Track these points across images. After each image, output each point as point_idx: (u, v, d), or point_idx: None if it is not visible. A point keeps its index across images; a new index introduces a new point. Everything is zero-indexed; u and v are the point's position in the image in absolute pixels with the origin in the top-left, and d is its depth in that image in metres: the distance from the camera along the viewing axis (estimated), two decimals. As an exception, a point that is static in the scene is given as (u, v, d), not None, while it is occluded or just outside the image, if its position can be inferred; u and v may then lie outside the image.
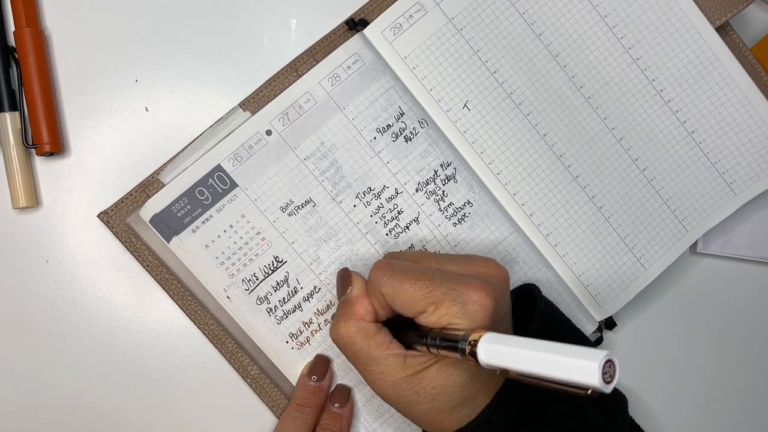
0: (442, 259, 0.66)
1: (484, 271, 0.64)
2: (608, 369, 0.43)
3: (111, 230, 0.72)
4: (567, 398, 0.64)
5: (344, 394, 0.74)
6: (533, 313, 0.68)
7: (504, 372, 0.50)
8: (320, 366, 0.73)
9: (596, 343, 0.78)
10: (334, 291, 0.73)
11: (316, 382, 0.72)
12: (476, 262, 0.65)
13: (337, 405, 0.73)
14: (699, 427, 0.83)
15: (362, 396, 0.75)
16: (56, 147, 0.73)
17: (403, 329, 0.63)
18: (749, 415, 0.84)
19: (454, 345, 0.55)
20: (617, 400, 0.74)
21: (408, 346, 0.62)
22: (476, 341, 0.52)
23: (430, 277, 0.61)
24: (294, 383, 0.74)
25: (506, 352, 0.49)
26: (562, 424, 0.64)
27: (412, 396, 0.61)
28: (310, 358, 0.74)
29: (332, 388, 0.75)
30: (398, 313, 0.63)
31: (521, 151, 0.74)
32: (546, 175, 0.74)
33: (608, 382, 0.43)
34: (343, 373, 0.75)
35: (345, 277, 0.68)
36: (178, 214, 0.70)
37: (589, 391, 0.44)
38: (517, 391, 0.62)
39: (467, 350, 0.53)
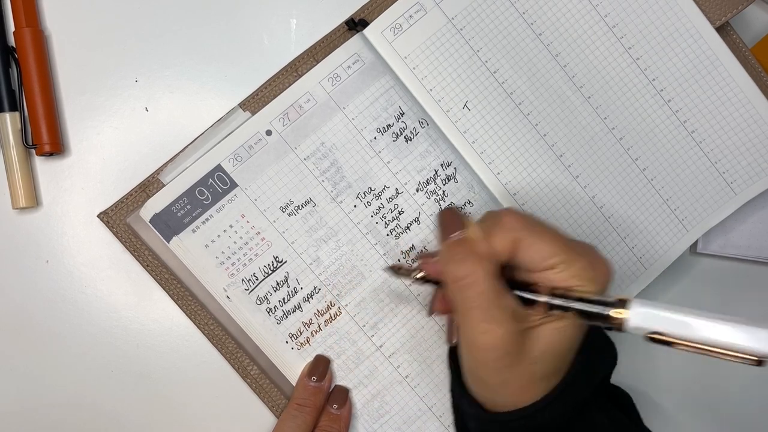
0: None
1: (593, 247, 0.62)
2: None
3: (111, 230, 0.72)
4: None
5: (343, 395, 0.74)
6: None
7: (653, 335, 0.50)
8: (320, 366, 0.73)
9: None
10: (334, 291, 0.73)
11: (316, 382, 0.72)
12: (581, 242, 0.63)
13: (335, 406, 0.73)
14: (699, 426, 0.83)
15: (362, 397, 0.75)
16: (56, 147, 0.73)
17: (509, 283, 0.60)
18: (749, 415, 0.84)
19: (587, 307, 0.55)
20: (627, 398, 0.74)
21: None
22: (623, 303, 0.52)
23: (565, 235, 0.60)
24: (293, 383, 0.74)
25: (664, 316, 0.50)
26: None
27: (516, 355, 0.57)
28: (309, 359, 0.74)
29: (331, 389, 0.75)
30: (518, 263, 0.60)
31: (521, 151, 0.74)
32: (546, 175, 0.74)
33: None
34: (343, 374, 0.75)
35: (453, 217, 0.65)
36: (178, 214, 0.70)
37: (757, 361, 0.45)
38: (585, 375, 0.62)
39: (607, 313, 0.53)
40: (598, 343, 0.66)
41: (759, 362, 0.45)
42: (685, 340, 0.48)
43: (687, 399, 0.83)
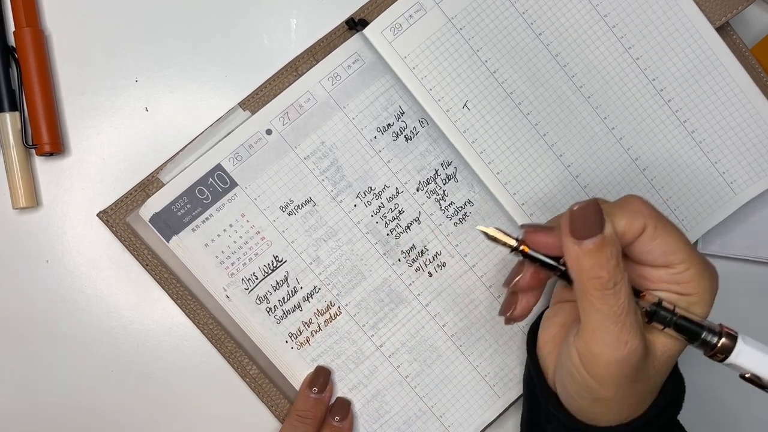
0: None
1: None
2: None
3: (111, 230, 0.72)
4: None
5: (344, 407, 0.74)
6: None
7: (751, 376, 0.50)
8: (321, 378, 0.73)
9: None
10: (334, 291, 0.73)
11: (317, 393, 0.72)
12: None
13: (337, 418, 0.73)
14: (699, 426, 0.83)
15: (362, 397, 0.75)
16: (56, 147, 0.73)
17: None
18: (749, 415, 0.83)
19: (694, 330, 0.54)
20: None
21: None
22: (732, 336, 0.52)
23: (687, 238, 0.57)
24: (293, 383, 0.74)
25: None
26: None
27: (642, 368, 0.55)
28: (309, 359, 0.74)
29: (332, 401, 0.75)
30: (636, 252, 0.57)
31: (521, 151, 0.74)
32: (546, 175, 0.74)
33: None
34: (343, 374, 0.74)
35: (598, 215, 0.54)
36: (178, 213, 0.70)
37: None
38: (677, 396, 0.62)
39: (714, 342, 0.53)
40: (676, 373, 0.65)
41: None
42: None
43: (685, 400, 0.83)
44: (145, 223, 0.71)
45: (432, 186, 0.74)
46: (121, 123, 0.75)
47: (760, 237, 0.80)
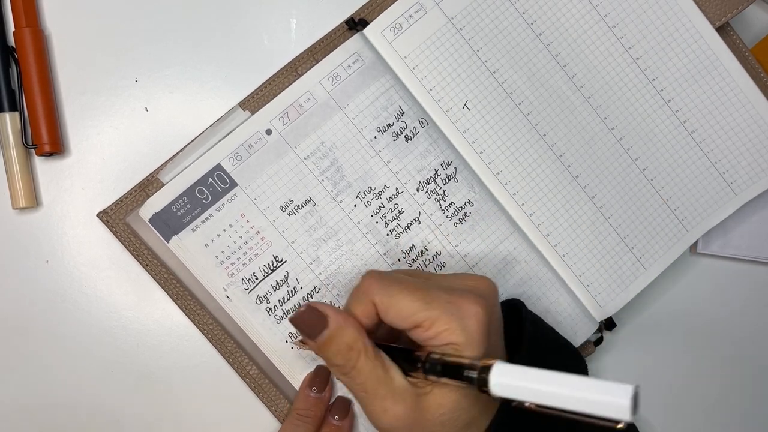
0: (431, 274, 0.65)
1: (474, 284, 0.62)
2: (636, 400, 0.44)
3: (110, 230, 0.72)
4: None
5: (344, 406, 0.74)
6: (519, 328, 0.68)
7: (518, 403, 0.49)
8: (321, 377, 0.73)
9: (596, 343, 0.78)
10: (334, 291, 0.73)
11: (317, 393, 0.72)
12: (467, 277, 0.64)
13: (336, 417, 0.73)
14: (699, 426, 0.83)
15: (362, 396, 0.75)
16: (56, 147, 0.73)
17: (393, 353, 0.61)
18: (749, 415, 0.83)
19: (457, 371, 0.54)
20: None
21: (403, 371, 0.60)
22: (487, 369, 0.51)
23: (426, 288, 0.59)
24: (293, 383, 0.73)
25: (523, 387, 0.49)
26: None
27: (421, 423, 0.58)
28: (309, 359, 0.74)
29: (332, 400, 0.75)
30: (388, 324, 0.61)
31: (521, 151, 0.74)
32: (546, 175, 0.74)
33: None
34: (342, 384, 0.74)
35: (312, 315, 0.61)
36: (178, 213, 0.70)
37: (620, 425, 0.45)
38: (517, 413, 0.61)
39: (475, 378, 0.52)
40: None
41: (619, 428, 0.45)
42: (549, 408, 0.48)
43: (685, 400, 0.83)
44: (144, 223, 0.71)
45: (432, 186, 0.74)
46: (121, 123, 0.75)
47: (760, 237, 0.81)
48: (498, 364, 0.51)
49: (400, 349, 0.61)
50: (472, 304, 0.58)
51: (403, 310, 0.58)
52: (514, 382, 0.49)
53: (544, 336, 0.71)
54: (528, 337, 0.66)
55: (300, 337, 0.64)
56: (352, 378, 0.59)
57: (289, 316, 0.68)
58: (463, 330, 0.57)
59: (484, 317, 0.58)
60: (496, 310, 0.62)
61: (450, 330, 0.57)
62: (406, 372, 0.60)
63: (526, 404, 0.49)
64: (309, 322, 0.61)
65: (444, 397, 0.58)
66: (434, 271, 0.75)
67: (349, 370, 0.59)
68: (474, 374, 0.52)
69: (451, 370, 0.55)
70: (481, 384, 0.51)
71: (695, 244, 0.80)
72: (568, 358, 0.72)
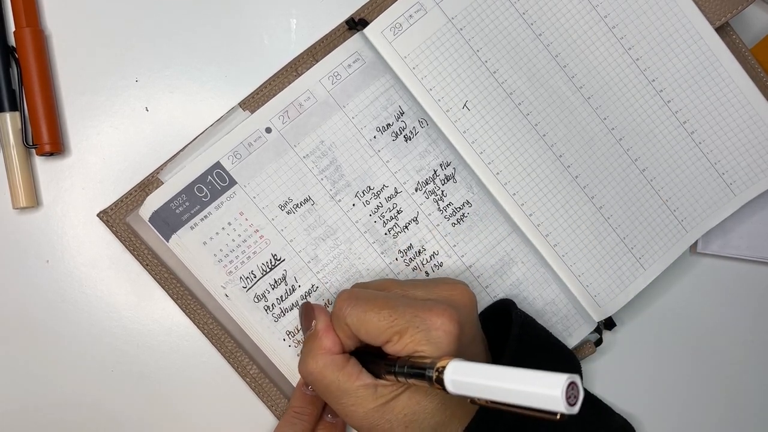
0: (407, 285, 0.66)
1: (449, 294, 0.64)
2: (572, 391, 0.44)
3: (111, 230, 0.72)
4: (547, 423, 0.65)
5: None
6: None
7: (474, 400, 0.50)
8: None
9: (596, 343, 0.78)
10: (332, 290, 0.73)
11: (312, 391, 0.72)
12: (442, 286, 0.65)
13: (330, 416, 0.73)
14: (699, 426, 0.83)
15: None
16: (56, 147, 0.73)
17: (372, 359, 0.63)
18: (749, 415, 0.83)
19: (421, 373, 0.55)
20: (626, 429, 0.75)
21: (377, 375, 0.62)
22: (442, 369, 0.52)
23: (393, 305, 0.61)
24: (292, 382, 0.73)
25: (472, 382, 0.49)
26: None
27: (385, 425, 0.61)
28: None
29: None
30: (365, 342, 0.63)
31: (521, 151, 0.74)
32: (545, 175, 0.74)
33: (573, 404, 0.44)
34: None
35: (308, 311, 0.68)
36: (177, 211, 0.70)
37: (558, 416, 0.45)
38: (493, 417, 0.62)
39: (434, 378, 0.52)
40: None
41: (557, 420, 0.46)
42: (498, 404, 0.48)
43: (685, 400, 0.83)
44: (145, 223, 0.71)
45: (431, 186, 0.74)
46: (121, 123, 0.75)
47: (759, 237, 0.80)
48: (453, 362, 0.51)
49: (377, 354, 0.63)
50: (439, 316, 0.59)
51: (371, 330, 0.61)
52: (466, 378, 0.50)
53: (535, 337, 0.71)
54: (515, 338, 0.67)
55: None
56: (316, 383, 0.64)
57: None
58: (429, 341, 0.58)
59: (451, 328, 0.59)
60: (470, 319, 0.64)
61: (415, 342, 0.59)
62: (379, 376, 0.62)
63: (480, 400, 0.49)
64: (306, 313, 0.68)
65: (411, 399, 0.61)
66: (431, 271, 0.75)
67: (312, 376, 0.64)
68: (433, 373, 0.53)
69: (416, 371, 0.56)
70: (440, 382, 0.52)
71: (695, 244, 0.80)
72: (560, 360, 0.73)
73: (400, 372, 0.58)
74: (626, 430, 0.75)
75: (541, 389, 0.44)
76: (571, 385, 0.44)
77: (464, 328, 0.60)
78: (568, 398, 0.43)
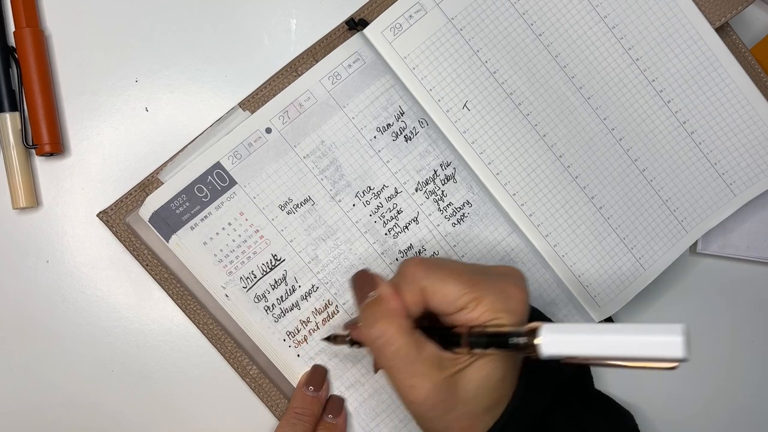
0: (467, 263, 0.65)
1: (509, 272, 0.63)
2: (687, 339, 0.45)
3: (111, 230, 0.72)
4: (571, 401, 0.66)
5: (338, 405, 0.75)
6: None
7: (569, 359, 0.50)
8: (317, 376, 0.74)
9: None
10: (332, 290, 0.73)
11: (313, 392, 0.72)
12: (500, 267, 0.64)
13: (330, 416, 0.74)
14: (699, 426, 0.83)
15: (359, 396, 0.75)
16: (56, 147, 0.73)
17: (433, 331, 0.61)
18: (749, 415, 0.83)
19: (503, 341, 0.55)
20: (626, 418, 0.75)
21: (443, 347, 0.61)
22: (534, 332, 0.52)
23: (471, 272, 0.60)
24: (292, 382, 0.74)
25: (573, 339, 0.50)
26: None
27: (449, 401, 0.58)
28: (306, 357, 0.74)
29: (327, 398, 0.75)
30: (432, 309, 0.61)
31: (521, 152, 0.74)
32: (545, 176, 0.74)
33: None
34: (340, 372, 0.74)
35: (365, 278, 0.64)
36: (177, 211, 0.70)
37: (674, 364, 0.45)
38: (533, 399, 0.62)
39: (522, 344, 0.53)
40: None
41: (673, 367, 0.46)
42: (600, 359, 0.49)
43: (685, 400, 0.83)
44: (145, 223, 0.71)
45: (431, 186, 0.74)
46: (121, 123, 0.75)
47: (760, 237, 0.80)
48: (545, 324, 0.52)
49: (440, 328, 0.61)
50: (514, 287, 0.59)
51: (449, 295, 0.59)
52: (564, 337, 0.50)
53: None
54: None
55: (329, 335, 0.71)
56: (383, 348, 0.59)
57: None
58: (508, 310, 0.58)
59: (525, 297, 0.59)
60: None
61: (493, 309, 0.58)
62: (445, 349, 0.60)
63: (577, 359, 0.50)
64: (361, 281, 0.64)
65: (478, 372, 0.58)
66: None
67: (381, 341, 0.59)
68: (522, 340, 0.53)
69: (497, 339, 0.56)
70: (529, 348, 0.52)
71: (695, 244, 0.80)
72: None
73: (477, 342, 0.57)
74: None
75: (661, 336, 0.45)
76: (687, 332, 0.45)
77: (528, 302, 0.60)
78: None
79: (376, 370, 0.73)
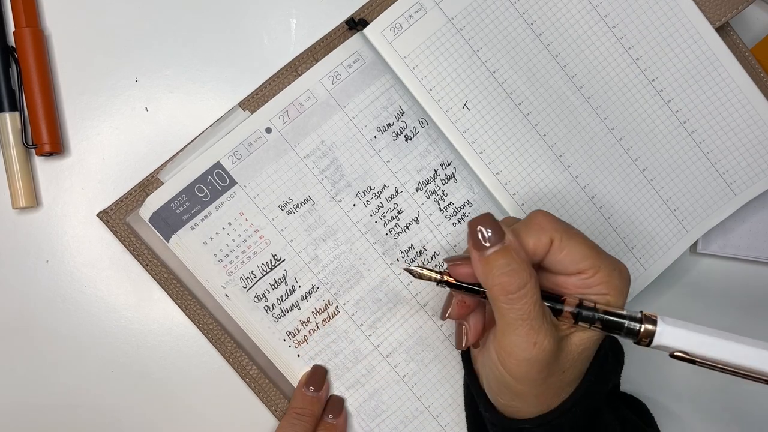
0: None
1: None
2: None
3: (111, 230, 0.72)
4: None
5: (338, 405, 0.75)
6: None
7: (676, 353, 0.51)
8: (317, 377, 0.74)
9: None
10: (332, 290, 0.73)
11: (314, 392, 0.72)
12: None
13: (330, 416, 0.73)
14: (699, 426, 0.83)
15: (359, 396, 0.75)
16: (56, 147, 0.73)
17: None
18: (749, 414, 0.83)
19: (617, 323, 0.57)
20: (646, 412, 0.77)
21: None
22: (653, 321, 0.54)
23: (593, 242, 0.60)
24: (292, 382, 0.74)
25: (695, 339, 0.51)
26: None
27: (554, 365, 0.58)
28: (307, 357, 0.74)
29: (327, 399, 0.75)
30: (548, 265, 0.60)
31: (521, 151, 0.74)
32: (546, 175, 0.74)
33: None
34: (340, 372, 0.74)
35: (494, 224, 0.58)
36: (177, 211, 0.70)
37: None
38: (602, 378, 0.64)
39: (636, 328, 0.55)
40: (611, 348, 0.68)
41: None
42: (710, 361, 0.49)
43: (702, 407, 0.83)
44: (145, 223, 0.71)
45: (431, 186, 0.74)
46: (121, 123, 0.75)
47: (760, 237, 0.80)
48: (663, 317, 0.54)
49: (548, 292, 0.61)
50: (625, 269, 0.60)
51: (575, 254, 0.59)
52: (684, 332, 0.52)
53: None
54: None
55: (413, 265, 0.70)
56: (515, 302, 0.56)
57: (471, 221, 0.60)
58: (617, 288, 0.59)
59: (629, 282, 0.60)
60: None
61: (607, 284, 0.58)
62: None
63: (684, 356, 0.51)
64: (490, 226, 0.58)
65: (581, 341, 0.59)
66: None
67: (516, 289, 0.56)
68: (636, 326, 0.55)
69: (610, 320, 0.57)
70: (633, 334, 0.55)
71: (695, 244, 0.80)
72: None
73: (588, 316, 0.58)
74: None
75: None
76: None
77: None
78: None
79: (445, 317, 0.68)
